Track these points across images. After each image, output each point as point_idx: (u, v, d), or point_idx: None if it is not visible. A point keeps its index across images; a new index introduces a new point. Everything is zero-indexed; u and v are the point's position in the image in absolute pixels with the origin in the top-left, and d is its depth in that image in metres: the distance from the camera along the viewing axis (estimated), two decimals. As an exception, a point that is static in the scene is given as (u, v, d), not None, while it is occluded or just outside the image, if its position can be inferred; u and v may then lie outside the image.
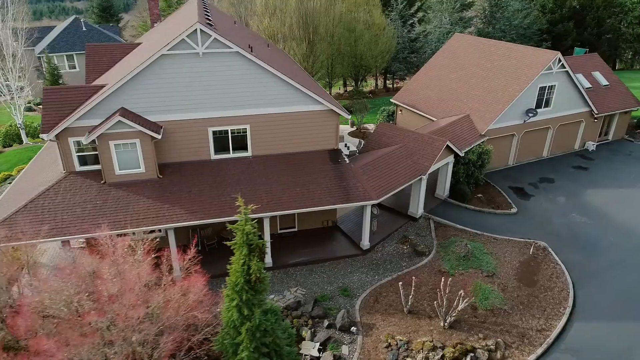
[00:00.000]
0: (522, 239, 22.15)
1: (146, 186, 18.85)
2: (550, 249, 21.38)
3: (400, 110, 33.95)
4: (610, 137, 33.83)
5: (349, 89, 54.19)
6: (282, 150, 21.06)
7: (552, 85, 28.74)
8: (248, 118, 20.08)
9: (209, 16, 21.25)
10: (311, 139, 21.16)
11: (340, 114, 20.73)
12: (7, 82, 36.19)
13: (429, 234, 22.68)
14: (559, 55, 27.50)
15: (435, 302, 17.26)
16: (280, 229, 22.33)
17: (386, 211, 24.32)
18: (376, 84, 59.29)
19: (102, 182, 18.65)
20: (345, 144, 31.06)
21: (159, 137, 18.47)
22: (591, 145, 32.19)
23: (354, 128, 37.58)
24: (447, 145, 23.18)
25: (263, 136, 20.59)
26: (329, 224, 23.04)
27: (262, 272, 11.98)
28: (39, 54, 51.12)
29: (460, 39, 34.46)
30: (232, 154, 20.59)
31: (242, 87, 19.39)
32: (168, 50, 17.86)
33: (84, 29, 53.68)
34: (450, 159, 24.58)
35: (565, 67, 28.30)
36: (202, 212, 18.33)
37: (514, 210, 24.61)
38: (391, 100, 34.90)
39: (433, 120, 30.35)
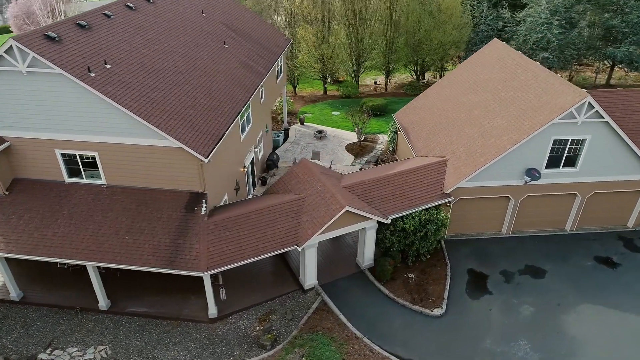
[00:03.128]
0: (413, 361, 16.10)
1: (-14, 202, 18.04)
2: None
3: (400, 132, 27.45)
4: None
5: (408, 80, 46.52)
6: (140, 184, 18.20)
7: (578, 140, 19.72)
8: (96, 145, 17.57)
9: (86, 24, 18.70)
10: (168, 176, 17.81)
11: (195, 156, 16.79)
12: None
13: (302, 316, 17.95)
14: (589, 98, 18.39)
15: None
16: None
17: (284, 269, 20.02)
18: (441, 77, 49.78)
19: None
20: (331, 164, 26.43)
21: (-7, 154, 17.25)
22: (653, 227, 22.05)
23: (362, 138, 31.89)
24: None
25: (116, 166, 17.95)
26: (205, 271, 19.82)
27: None
28: None
29: (494, 48, 25.78)
30: (85, 180, 18.52)
31: (82, 111, 16.81)
32: (-7, 65, 16.11)
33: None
34: (370, 224, 18.76)
35: (602, 117, 18.98)
36: (15, 244, 16.94)
37: (437, 311, 17.94)
38: (393, 116, 28.38)
39: (409, 157, 23.79)
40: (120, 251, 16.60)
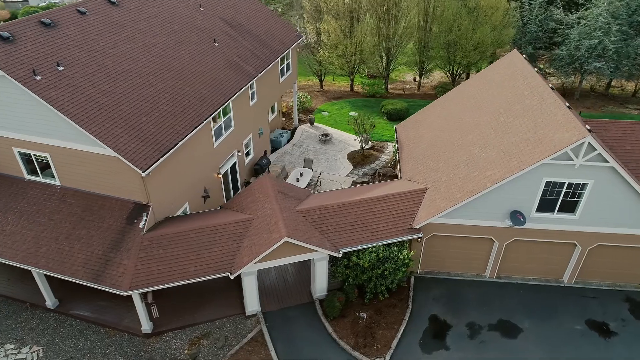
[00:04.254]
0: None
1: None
2: None
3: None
4: None
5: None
6: (91, 189, 17.91)
7: (577, 184, 16.67)
8: (47, 147, 17.44)
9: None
10: (114, 184, 17.34)
11: (133, 168, 16.08)
12: None
13: (233, 345, 16.96)
14: (589, 139, 15.31)
15: None
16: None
17: (236, 290, 19.09)
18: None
19: None
20: (299, 174, 25.00)
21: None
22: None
23: (369, 145, 29.81)
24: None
25: (68, 168, 17.76)
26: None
27: None
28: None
29: (511, 61, 22.54)
30: (42, 179, 18.57)
31: (32, 114, 16.65)
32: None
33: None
34: (319, 255, 17.20)
35: (607, 161, 15.80)
36: (-35, 239, 17.39)
37: (377, 362, 16.23)
38: (395, 127, 26.04)
39: (393, 179, 21.66)
40: (54, 258, 16.48)
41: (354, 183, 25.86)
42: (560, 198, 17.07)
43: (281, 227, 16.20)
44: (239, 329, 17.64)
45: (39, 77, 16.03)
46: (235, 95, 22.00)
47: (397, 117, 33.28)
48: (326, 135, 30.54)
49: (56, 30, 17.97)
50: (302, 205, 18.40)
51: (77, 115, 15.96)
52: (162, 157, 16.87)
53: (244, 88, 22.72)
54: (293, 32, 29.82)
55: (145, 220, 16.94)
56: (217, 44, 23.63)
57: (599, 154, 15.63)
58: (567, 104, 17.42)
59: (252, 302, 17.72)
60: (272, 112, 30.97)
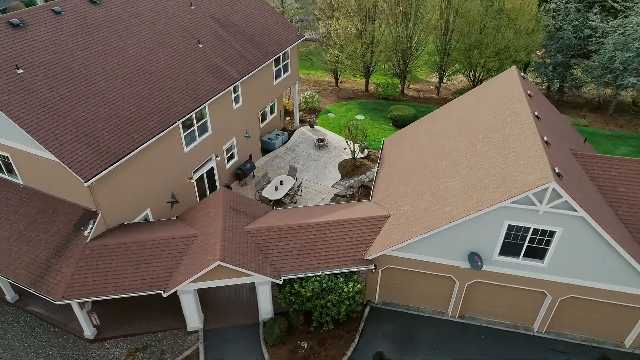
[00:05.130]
0: None
1: None
2: None
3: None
4: None
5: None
6: (49, 191, 18.12)
7: (544, 231, 14.88)
8: (7, 147, 17.75)
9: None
10: (67, 189, 17.41)
11: (76, 177, 15.99)
12: None
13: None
14: (554, 184, 13.49)
15: None
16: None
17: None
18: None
19: None
20: (279, 183, 24.28)
21: None
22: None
23: (365, 154, 28.51)
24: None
25: (27, 169, 18.04)
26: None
27: None
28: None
29: (507, 79, 20.47)
30: (7, 176, 19.00)
31: (-10, 115, 16.97)
32: None
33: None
34: (260, 279, 16.52)
35: (576, 211, 13.92)
36: None
37: (305, 399, 15.44)
38: (384, 140, 24.60)
39: (361, 200, 20.47)
40: (2, 258, 16.85)
41: (335, 196, 24.84)
42: (525, 243, 15.36)
43: (217, 249, 15.66)
44: (178, 344, 17.43)
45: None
46: (211, 100, 21.49)
47: (402, 124, 31.55)
48: (322, 140, 29.52)
49: (23, 31, 18.08)
50: (253, 224, 17.74)
51: (26, 120, 16.01)
52: (110, 166, 16.70)
53: (222, 92, 22.15)
54: (293, 31, 28.78)
55: (91, 229, 16.93)
56: (201, 45, 23.12)
57: (566, 201, 13.81)
58: (546, 139, 15.52)
59: (192, 319, 17.43)
60: (272, 112, 30.31)
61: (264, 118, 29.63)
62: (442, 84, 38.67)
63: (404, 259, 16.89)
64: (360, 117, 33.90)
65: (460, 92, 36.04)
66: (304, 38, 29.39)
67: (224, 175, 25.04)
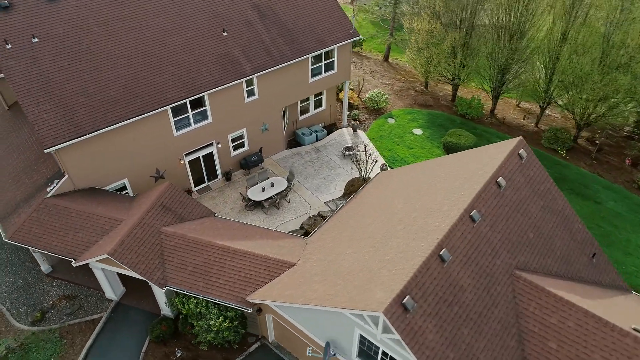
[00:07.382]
0: None
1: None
2: None
3: (370, 195, 21.58)
4: None
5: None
6: (48, 143, 21.41)
7: (384, 352, 12.39)
8: (27, 100, 21.25)
9: None
10: (50, 149, 20.32)
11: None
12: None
13: (80, 317, 19.12)
14: (383, 317, 10.95)
15: None
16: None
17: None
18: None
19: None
20: (269, 185, 24.20)
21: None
22: None
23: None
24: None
25: (38, 121, 21.47)
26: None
27: None
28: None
29: (502, 150, 16.24)
30: (33, 121, 22.86)
31: None
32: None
33: None
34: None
35: (394, 333, 11.19)
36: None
37: (143, 404, 16.27)
38: (376, 174, 22.09)
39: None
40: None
41: (318, 214, 23.74)
42: (379, 357, 13.05)
43: (114, 242, 16.91)
44: (97, 306, 19.75)
45: (9, 46, 19.30)
46: (211, 91, 22.02)
47: (454, 152, 27.73)
48: (350, 149, 27.85)
49: (56, 3, 20.76)
50: (174, 226, 18.43)
51: (20, 85, 18.91)
52: (73, 139, 18.88)
53: (226, 85, 22.41)
54: (348, 28, 26.76)
55: (53, 187, 19.69)
56: (225, 34, 23.37)
57: (387, 326, 11.22)
58: (438, 238, 12.46)
59: (107, 290, 19.43)
60: (318, 106, 29.50)
61: (304, 111, 29.07)
62: (539, 115, 32.06)
63: (281, 316, 15.90)
64: (418, 131, 30.73)
65: (555, 132, 29.55)
66: (358, 38, 27.21)
67: (228, 162, 25.83)
